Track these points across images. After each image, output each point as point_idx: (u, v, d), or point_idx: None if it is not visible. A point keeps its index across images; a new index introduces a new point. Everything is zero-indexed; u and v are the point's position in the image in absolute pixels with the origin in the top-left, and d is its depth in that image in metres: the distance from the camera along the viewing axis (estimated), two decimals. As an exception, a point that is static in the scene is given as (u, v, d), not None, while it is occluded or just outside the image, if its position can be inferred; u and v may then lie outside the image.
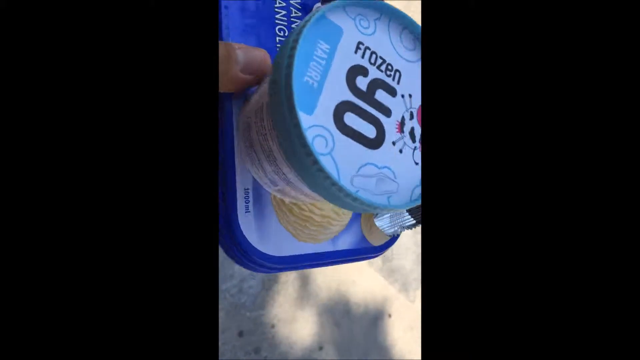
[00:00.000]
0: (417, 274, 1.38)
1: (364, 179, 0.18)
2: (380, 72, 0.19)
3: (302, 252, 0.27)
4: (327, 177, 0.16)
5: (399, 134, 0.19)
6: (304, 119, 0.17)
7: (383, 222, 0.30)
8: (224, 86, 0.21)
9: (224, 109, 0.23)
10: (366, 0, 0.19)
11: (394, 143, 0.19)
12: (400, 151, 0.19)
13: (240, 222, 0.24)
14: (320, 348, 1.13)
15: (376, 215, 0.30)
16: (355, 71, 0.18)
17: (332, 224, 0.29)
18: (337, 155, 0.17)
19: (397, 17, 0.20)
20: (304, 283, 1.13)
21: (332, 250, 0.29)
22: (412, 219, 0.28)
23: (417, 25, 0.21)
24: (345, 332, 1.17)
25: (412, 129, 0.20)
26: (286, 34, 0.25)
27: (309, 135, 0.16)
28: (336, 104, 0.18)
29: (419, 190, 0.20)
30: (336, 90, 0.18)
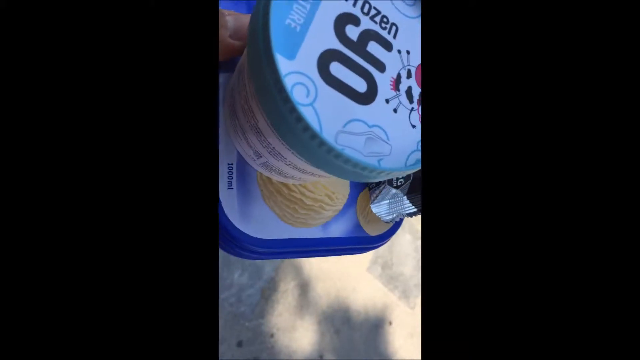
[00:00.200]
0: (417, 280, 1.37)
1: (351, 137, 0.16)
2: (373, 24, 0.18)
3: (288, 237, 0.25)
4: (307, 128, 0.15)
5: (393, 91, 0.18)
6: (283, 64, 0.15)
7: (380, 209, 0.28)
8: None
9: None
10: None
11: (387, 101, 0.18)
12: (395, 110, 0.18)
13: (221, 198, 0.23)
14: (321, 356, 1.11)
15: (373, 200, 0.28)
16: (345, 19, 0.17)
17: (324, 209, 0.26)
18: (320, 107, 0.16)
19: None
20: (304, 291, 1.12)
21: (322, 237, 0.26)
22: (412, 206, 0.27)
23: None
24: (345, 340, 1.16)
25: (410, 89, 0.18)
26: None
27: (288, 81, 0.15)
28: (321, 51, 0.16)
29: (416, 156, 0.18)
30: (322, 37, 0.16)
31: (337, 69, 0.17)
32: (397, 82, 0.18)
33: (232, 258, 1.02)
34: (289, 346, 1.07)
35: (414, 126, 0.18)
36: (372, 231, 0.29)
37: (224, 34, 0.20)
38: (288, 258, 0.26)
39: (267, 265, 1.07)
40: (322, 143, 0.15)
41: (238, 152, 0.23)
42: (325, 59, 0.16)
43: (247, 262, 1.05)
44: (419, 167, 0.18)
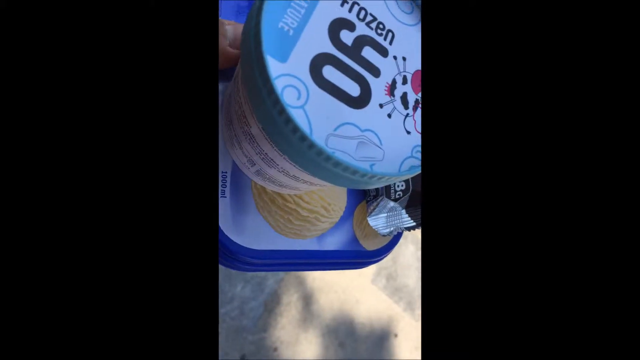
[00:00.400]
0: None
1: (343, 140, 0.16)
2: (369, 29, 0.18)
3: (282, 248, 0.25)
4: (296, 129, 0.14)
5: (388, 96, 0.18)
6: (274, 66, 0.15)
7: (378, 222, 0.27)
8: None
9: None
10: None
11: (381, 105, 0.18)
12: (389, 116, 0.18)
13: None
14: (325, 371, 1.09)
15: (370, 213, 0.27)
16: (340, 24, 0.17)
17: (320, 221, 0.26)
18: (311, 110, 0.16)
19: None
20: (307, 303, 1.11)
21: (317, 249, 0.26)
22: (411, 220, 0.26)
23: None
24: (350, 353, 1.14)
25: (405, 94, 0.18)
26: None
27: (279, 84, 0.15)
28: (314, 54, 0.16)
29: (411, 162, 0.18)
30: (316, 41, 0.16)
31: (330, 73, 0.16)
32: (392, 87, 0.18)
33: (234, 271, 1.01)
34: (292, 360, 1.05)
35: (408, 132, 0.18)
36: (369, 245, 0.28)
37: (223, 43, 0.21)
38: (281, 271, 0.26)
39: (270, 278, 1.06)
40: (312, 145, 0.15)
41: (233, 161, 0.23)
42: (318, 62, 0.16)
43: (249, 275, 1.04)
44: (414, 174, 0.18)
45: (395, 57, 0.18)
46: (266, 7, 0.15)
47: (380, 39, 0.18)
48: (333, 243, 0.27)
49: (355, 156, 0.16)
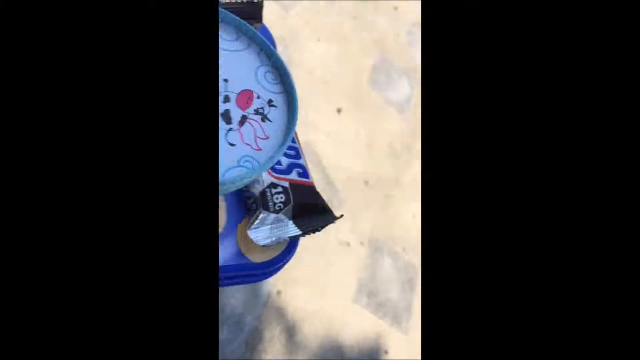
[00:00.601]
0: (405, 303, 1.34)
1: None
2: None
3: None
4: None
5: None
6: None
7: (259, 234, 0.29)
8: None
9: None
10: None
11: None
12: None
13: None
14: (320, 402, 1.06)
15: (250, 226, 0.28)
16: None
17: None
18: None
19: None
20: (290, 335, 1.08)
21: None
22: (297, 229, 0.28)
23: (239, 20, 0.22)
24: (342, 379, 1.11)
25: (227, 112, 0.21)
26: None
27: None
28: None
29: (238, 172, 0.20)
30: None
31: None
32: None
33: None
34: (283, 397, 1.01)
35: (232, 144, 0.20)
36: (255, 257, 0.30)
37: None
38: None
39: (248, 315, 1.03)
40: None
41: None
42: None
43: (225, 315, 1.00)
44: (240, 182, 0.19)
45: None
46: None
47: None
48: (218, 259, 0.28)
49: None
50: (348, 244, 1.30)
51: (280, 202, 0.28)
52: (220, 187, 0.19)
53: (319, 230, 0.31)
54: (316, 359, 1.08)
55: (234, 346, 0.98)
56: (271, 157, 0.22)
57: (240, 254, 0.29)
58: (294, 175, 0.28)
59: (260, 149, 0.22)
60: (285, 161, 0.28)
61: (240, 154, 0.20)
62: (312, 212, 0.29)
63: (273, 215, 0.28)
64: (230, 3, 0.26)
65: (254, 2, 0.28)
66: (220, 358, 0.96)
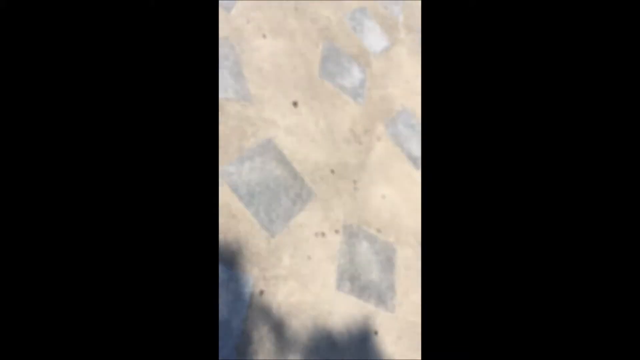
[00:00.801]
0: (387, 282, 1.36)
1: None
2: None
3: None
4: None
5: None
6: None
7: None
8: None
9: None
10: None
11: None
12: None
13: None
14: (318, 393, 1.06)
15: None
16: None
17: None
18: None
19: None
20: (279, 333, 1.08)
21: None
22: None
23: None
24: (337, 366, 1.12)
25: None
26: None
27: None
28: None
29: None
30: None
31: None
32: None
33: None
34: (281, 394, 1.01)
35: None
36: None
37: None
38: None
39: (232, 320, 1.02)
40: None
41: None
42: None
43: (211, 323, 0.99)
44: None
45: None
46: None
47: None
48: None
49: None
50: (323, 234, 1.30)
51: None
52: None
53: None
54: (307, 359, 1.08)
55: (224, 353, 0.97)
56: None
57: None
58: None
59: None
60: None
61: None
62: None
63: None
64: None
65: None
66: (211, 367, 0.94)
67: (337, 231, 1.33)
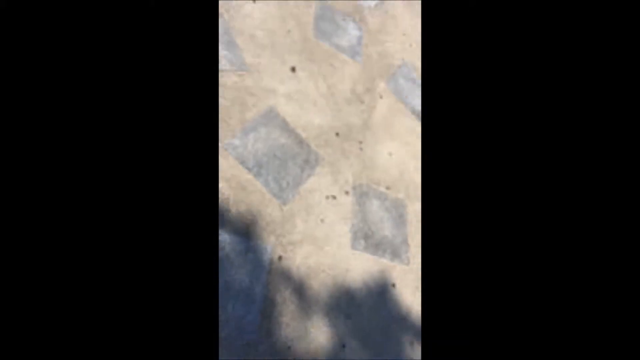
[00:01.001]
0: (401, 237, 1.40)
1: None
2: None
3: None
4: None
5: None
6: None
7: None
8: None
9: None
10: None
11: None
12: None
13: None
14: (343, 346, 1.12)
15: None
16: None
17: None
18: None
19: None
20: (301, 294, 1.12)
21: None
22: None
23: None
24: (358, 320, 1.18)
25: None
26: None
27: None
28: None
29: None
30: None
31: None
32: None
33: (220, 292, 1.00)
34: (308, 351, 1.07)
35: None
36: None
37: None
38: None
39: (256, 286, 1.06)
40: None
41: None
42: None
43: (233, 291, 1.03)
44: None
45: None
46: None
47: None
48: None
49: None
50: (334, 197, 1.32)
51: None
52: None
53: None
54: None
55: (249, 318, 1.02)
56: None
57: None
58: None
59: None
60: None
61: None
62: None
63: None
64: None
65: None
66: (239, 334, 1.00)
67: (347, 192, 1.36)
